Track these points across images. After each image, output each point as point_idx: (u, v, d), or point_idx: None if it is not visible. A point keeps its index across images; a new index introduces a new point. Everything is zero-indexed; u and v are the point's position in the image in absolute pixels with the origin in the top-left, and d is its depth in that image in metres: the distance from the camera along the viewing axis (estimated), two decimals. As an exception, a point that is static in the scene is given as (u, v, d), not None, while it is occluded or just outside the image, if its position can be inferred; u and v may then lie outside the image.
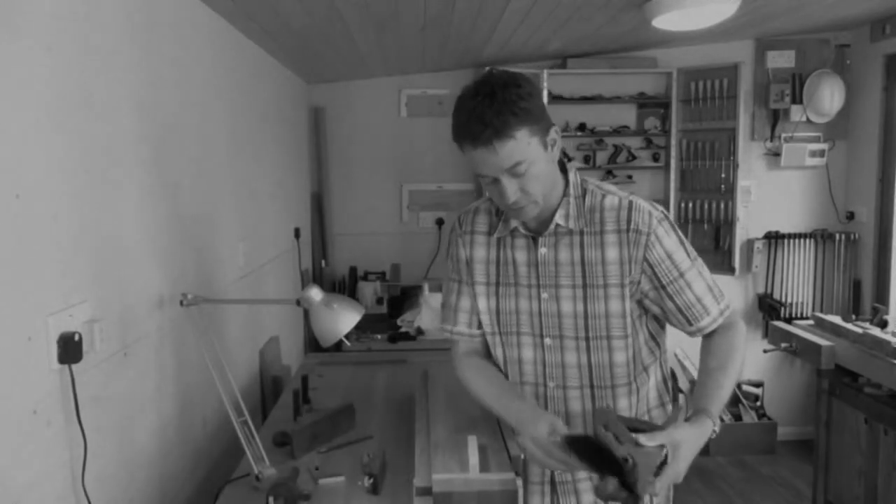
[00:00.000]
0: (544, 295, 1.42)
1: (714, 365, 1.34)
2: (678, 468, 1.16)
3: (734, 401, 4.02)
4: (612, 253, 1.37)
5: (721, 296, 1.41)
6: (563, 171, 1.40)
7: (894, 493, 2.57)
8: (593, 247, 1.38)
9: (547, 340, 1.44)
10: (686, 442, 1.17)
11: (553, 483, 1.50)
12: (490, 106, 1.21)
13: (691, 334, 1.42)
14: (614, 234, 1.37)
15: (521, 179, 1.27)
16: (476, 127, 1.21)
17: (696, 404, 1.27)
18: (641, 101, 4.02)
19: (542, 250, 1.40)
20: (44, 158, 1.23)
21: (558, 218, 1.37)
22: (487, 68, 3.75)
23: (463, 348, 1.56)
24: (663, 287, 1.37)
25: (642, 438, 1.13)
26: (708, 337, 1.41)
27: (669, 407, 1.53)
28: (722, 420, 1.31)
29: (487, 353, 1.55)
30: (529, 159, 1.25)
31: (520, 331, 1.46)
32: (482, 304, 1.49)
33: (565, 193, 1.38)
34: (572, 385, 1.45)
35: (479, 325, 1.52)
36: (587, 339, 1.41)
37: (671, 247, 1.36)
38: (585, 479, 1.47)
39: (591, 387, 1.44)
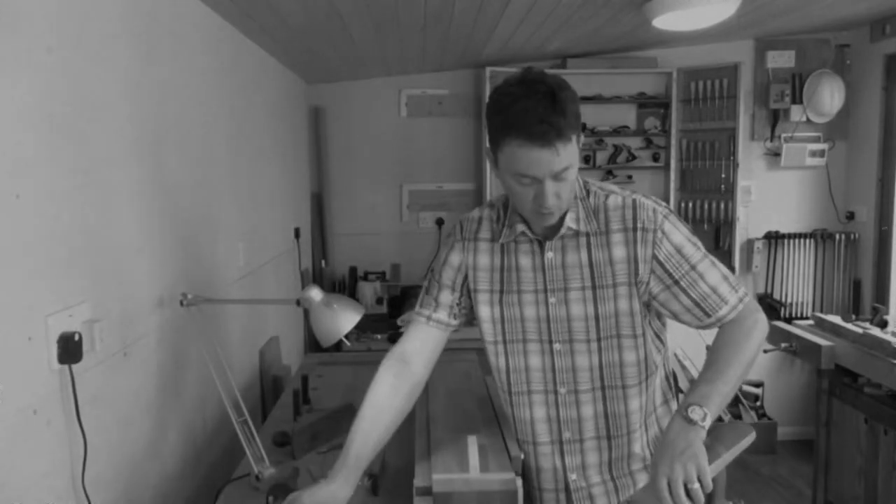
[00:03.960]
0: (552, 300, 1.40)
1: (710, 360, 1.31)
2: (658, 470, 1.15)
3: (734, 401, 4.01)
4: (619, 252, 1.35)
5: (738, 285, 1.36)
6: None
7: (894, 493, 2.57)
8: (600, 247, 1.36)
9: (556, 346, 1.41)
10: (678, 459, 1.14)
11: (567, 490, 1.48)
12: (553, 107, 1.18)
13: (710, 326, 1.37)
14: (620, 234, 1.35)
15: (561, 184, 1.25)
16: (539, 127, 1.18)
17: (681, 403, 1.24)
18: (641, 101, 4.02)
19: (549, 255, 1.38)
20: (44, 159, 1.23)
21: (569, 221, 1.35)
22: (487, 67, 3.76)
23: (409, 344, 1.47)
24: (676, 282, 1.34)
25: None
26: (721, 328, 1.36)
27: (673, 404, 1.52)
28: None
29: (425, 361, 1.48)
30: (573, 164, 1.25)
31: (526, 338, 1.44)
32: (485, 312, 1.46)
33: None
34: (584, 388, 1.43)
35: (456, 318, 1.48)
36: (598, 339, 1.39)
37: (679, 241, 1.35)
38: (599, 484, 1.46)
39: (603, 388, 1.42)
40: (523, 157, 1.22)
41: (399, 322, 3.55)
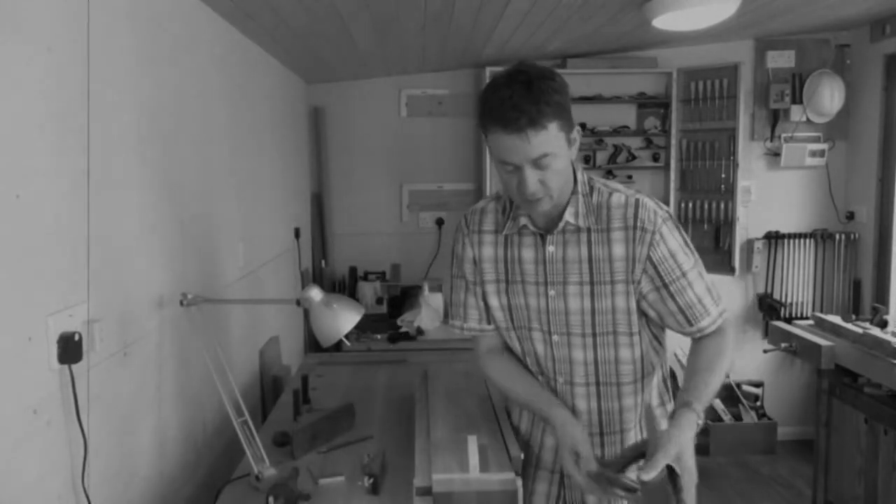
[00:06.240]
0: (551, 292, 1.42)
1: (702, 365, 1.36)
2: (687, 470, 1.18)
3: (734, 401, 4.02)
4: (618, 250, 1.38)
5: (719, 298, 1.42)
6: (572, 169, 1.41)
7: (894, 493, 2.57)
8: (600, 244, 1.38)
9: (555, 337, 1.45)
10: (684, 448, 1.19)
11: (561, 482, 1.53)
12: (527, 95, 1.22)
13: (690, 335, 1.43)
14: (621, 231, 1.37)
15: (544, 172, 1.28)
16: (511, 113, 1.22)
17: (681, 398, 1.29)
18: (641, 101, 4.02)
19: (550, 248, 1.41)
20: (44, 159, 1.23)
21: (568, 215, 1.38)
22: (487, 67, 3.77)
23: (484, 344, 1.58)
24: (665, 286, 1.37)
25: (643, 475, 1.15)
26: (698, 340, 1.43)
27: (669, 406, 1.54)
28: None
29: (508, 346, 1.57)
30: (555, 153, 1.27)
31: (531, 326, 1.48)
32: (494, 301, 1.50)
33: (574, 191, 1.39)
34: (579, 382, 1.46)
35: (489, 321, 1.54)
36: (594, 335, 1.42)
37: (674, 246, 1.37)
38: None
39: (598, 384, 1.46)
40: (499, 143, 1.27)
41: (399, 322, 3.55)
